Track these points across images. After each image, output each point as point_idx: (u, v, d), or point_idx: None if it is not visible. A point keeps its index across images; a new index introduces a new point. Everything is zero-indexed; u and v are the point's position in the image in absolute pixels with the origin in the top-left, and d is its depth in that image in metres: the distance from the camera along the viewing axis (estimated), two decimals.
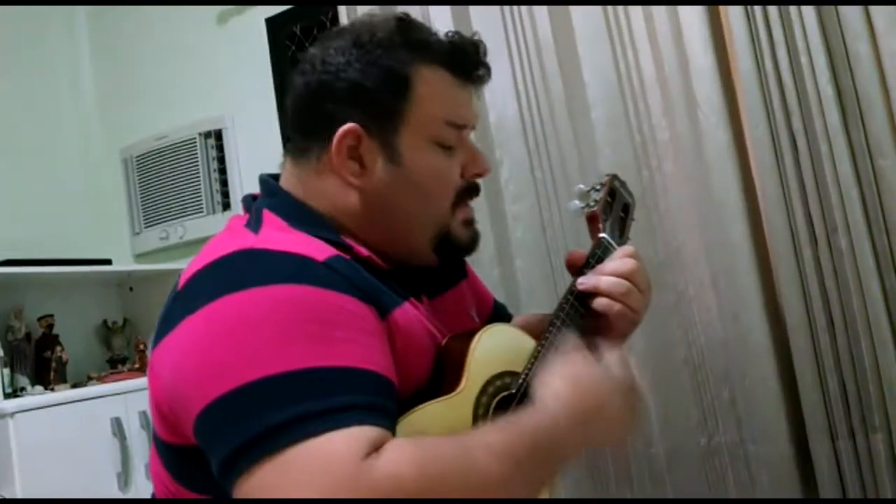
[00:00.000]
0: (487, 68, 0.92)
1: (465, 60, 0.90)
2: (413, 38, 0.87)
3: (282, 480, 0.63)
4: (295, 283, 0.73)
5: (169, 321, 0.76)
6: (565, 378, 0.78)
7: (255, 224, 0.84)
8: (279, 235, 0.81)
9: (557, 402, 0.76)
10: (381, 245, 0.86)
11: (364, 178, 0.85)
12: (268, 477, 0.63)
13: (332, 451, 0.63)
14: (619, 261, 0.94)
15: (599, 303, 0.91)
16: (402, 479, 0.62)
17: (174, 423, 0.76)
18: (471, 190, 0.93)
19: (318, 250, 0.79)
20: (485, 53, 0.91)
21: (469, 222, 0.93)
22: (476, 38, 0.92)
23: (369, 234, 0.86)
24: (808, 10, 1.60)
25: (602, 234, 1.00)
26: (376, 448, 0.64)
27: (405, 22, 0.89)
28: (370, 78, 0.84)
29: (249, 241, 0.80)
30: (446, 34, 0.91)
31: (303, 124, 0.89)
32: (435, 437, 0.70)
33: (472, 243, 0.94)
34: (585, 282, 0.93)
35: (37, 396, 2.08)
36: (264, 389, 0.67)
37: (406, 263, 0.89)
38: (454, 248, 0.92)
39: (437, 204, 0.89)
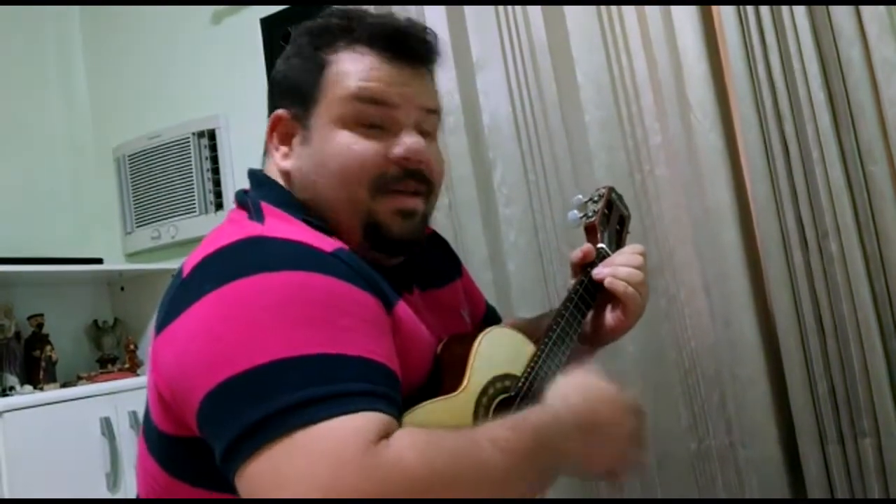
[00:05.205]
0: (425, 44, 0.88)
1: (393, 37, 0.87)
2: (338, 24, 0.89)
3: (287, 463, 0.62)
4: (304, 270, 0.73)
5: (174, 308, 0.76)
6: (577, 385, 0.80)
7: (257, 215, 0.84)
8: (284, 226, 0.82)
9: (565, 406, 0.77)
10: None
11: (290, 161, 0.89)
12: (273, 460, 0.63)
13: (340, 436, 0.62)
14: (632, 255, 0.99)
15: (627, 293, 0.96)
16: (407, 466, 0.62)
17: (176, 411, 0.76)
18: (403, 176, 0.86)
19: (325, 241, 0.79)
20: (420, 31, 0.89)
21: (404, 213, 0.86)
22: (409, 18, 0.92)
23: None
24: (801, 16, 1.61)
25: (600, 245, 1.01)
26: (384, 435, 0.63)
27: (338, 11, 0.91)
28: (297, 65, 0.90)
29: (256, 229, 0.80)
30: (384, 16, 0.90)
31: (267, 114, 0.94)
32: (441, 429, 0.70)
33: (405, 236, 0.87)
34: (601, 271, 0.97)
35: (26, 396, 2.07)
36: (270, 373, 0.66)
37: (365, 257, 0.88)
38: (387, 240, 0.86)
39: (349, 185, 0.84)
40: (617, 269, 0.97)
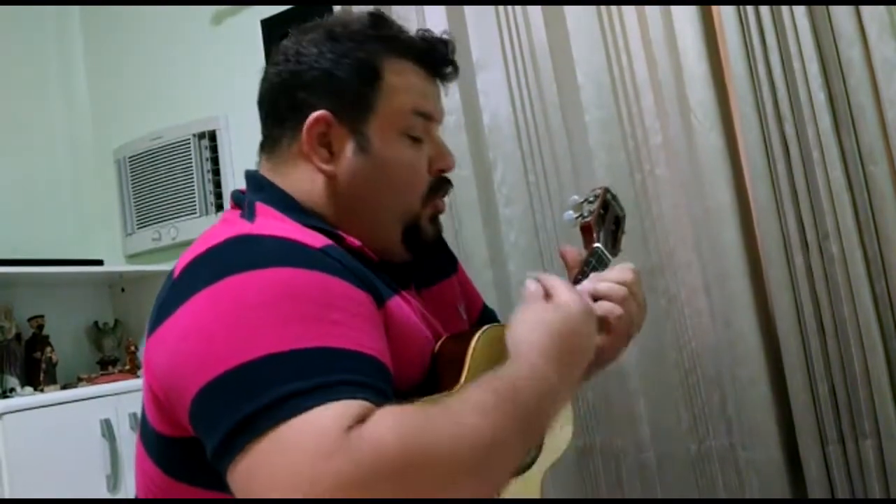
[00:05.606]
0: (455, 66, 0.94)
1: (435, 56, 0.92)
2: (384, 32, 0.90)
3: (271, 458, 0.62)
4: (293, 266, 0.73)
5: (165, 309, 0.76)
6: (533, 324, 0.80)
7: (249, 215, 0.84)
8: (275, 224, 0.82)
9: (531, 349, 0.77)
10: (355, 235, 0.86)
11: (334, 165, 0.87)
12: (260, 455, 0.63)
13: (319, 425, 0.62)
14: (621, 271, 0.94)
15: (603, 306, 0.90)
16: (384, 446, 0.61)
17: (170, 411, 0.76)
18: (442, 184, 0.94)
19: (314, 238, 0.80)
20: (453, 51, 0.94)
21: (436, 216, 0.94)
22: (446, 37, 0.94)
23: (342, 224, 0.87)
24: (802, 17, 1.61)
25: (596, 244, 1.00)
26: (362, 420, 0.63)
27: (377, 17, 0.91)
28: (342, 68, 0.87)
29: (246, 228, 0.81)
30: (417, 31, 0.94)
31: (275, 113, 0.91)
32: (417, 404, 0.69)
33: (436, 237, 0.95)
34: (584, 285, 0.93)
35: (26, 397, 2.07)
36: (261, 369, 0.66)
37: (382, 257, 0.89)
38: (421, 242, 0.92)
39: (406, 195, 0.90)
40: (597, 286, 0.92)
